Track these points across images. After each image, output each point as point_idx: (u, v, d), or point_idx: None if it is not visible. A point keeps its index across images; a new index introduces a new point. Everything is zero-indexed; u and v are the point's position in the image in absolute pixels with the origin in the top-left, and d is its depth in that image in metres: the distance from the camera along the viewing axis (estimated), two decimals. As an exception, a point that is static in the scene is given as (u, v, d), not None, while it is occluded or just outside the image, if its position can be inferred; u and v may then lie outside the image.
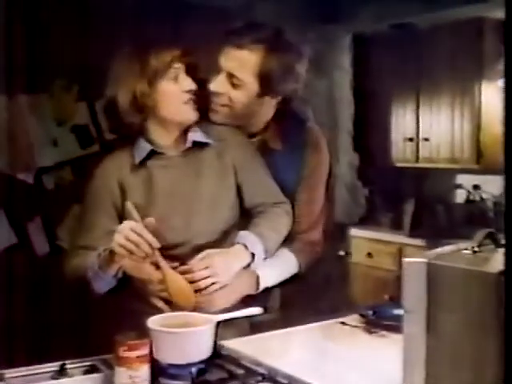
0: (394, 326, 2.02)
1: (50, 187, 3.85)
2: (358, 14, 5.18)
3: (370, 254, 5.50)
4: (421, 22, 5.18)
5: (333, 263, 4.65)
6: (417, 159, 5.55)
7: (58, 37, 3.84)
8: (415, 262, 1.36)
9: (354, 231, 5.62)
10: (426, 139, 5.44)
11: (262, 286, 2.17)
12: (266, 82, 2.17)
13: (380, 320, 2.15)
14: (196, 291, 2.01)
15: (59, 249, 3.75)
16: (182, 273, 2.00)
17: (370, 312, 2.21)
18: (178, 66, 2.10)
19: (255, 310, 2.06)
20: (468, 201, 5.26)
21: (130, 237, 1.87)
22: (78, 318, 3.31)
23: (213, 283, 2.03)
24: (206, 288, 2.02)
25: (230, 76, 2.16)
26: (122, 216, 2.09)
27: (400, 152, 5.69)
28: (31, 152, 3.76)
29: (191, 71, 2.13)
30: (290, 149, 2.32)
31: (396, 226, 5.45)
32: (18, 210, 3.71)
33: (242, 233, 2.13)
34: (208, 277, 2.02)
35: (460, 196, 5.41)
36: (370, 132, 5.84)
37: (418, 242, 5.04)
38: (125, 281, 2.04)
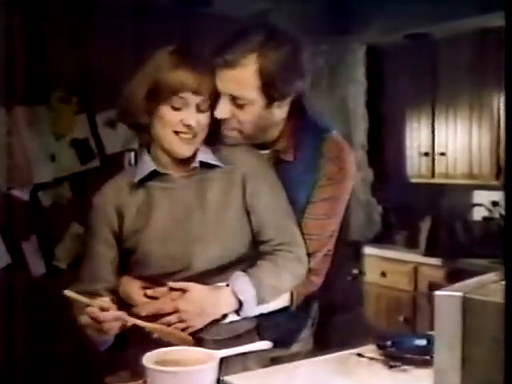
0: (417, 359, 1.87)
1: (47, 204, 3.81)
2: (372, 25, 5.14)
3: (383, 274, 5.38)
4: (436, 32, 5.11)
5: (346, 285, 4.52)
6: (433, 174, 5.43)
7: (56, 46, 3.81)
8: (449, 295, 1.23)
9: (368, 249, 5.50)
10: (443, 154, 5.32)
11: (233, 316, 1.97)
12: (271, 89, 1.99)
13: (400, 352, 1.97)
14: None
15: (56, 269, 3.67)
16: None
17: (389, 342, 2.04)
18: (186, 97, 1.90)
19: (263, 345, 1.92)
20: (486, 218, 5.13)
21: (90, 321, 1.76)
22: (77, 349, 3.19)
23: (184, 328, 1.87)
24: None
25: (233, 98, 1.99)
26: (120, 242, 1.99)
27: (415, 167, 5.58)
28: (27, 167, 3.71)
29: (205, 104, 1.94)
30: (304, 159, 2.12)
31: (411, 245, 5.34)
32: (13, 228, 3.66)
33: (237, 274, 1.94)
34: (177, 322, 1.86)
35: (478, 213, 5.27)
36: (384, 146, 5.77)
37: (435, 261, 4.94)
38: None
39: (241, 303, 1.90)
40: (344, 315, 3.56)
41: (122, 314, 1.78)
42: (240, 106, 1.99)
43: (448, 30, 4.97)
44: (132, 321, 1.80)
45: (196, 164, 1.97)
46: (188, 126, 1.91)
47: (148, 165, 1.99)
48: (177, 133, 1.91)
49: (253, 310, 1.95)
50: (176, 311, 1.84)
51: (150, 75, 1.91)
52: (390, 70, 5.69)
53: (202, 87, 1.90)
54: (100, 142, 3.94)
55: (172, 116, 1.90)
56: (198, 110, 1.92)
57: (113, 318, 1.75)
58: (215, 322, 1.91)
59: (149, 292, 1.90)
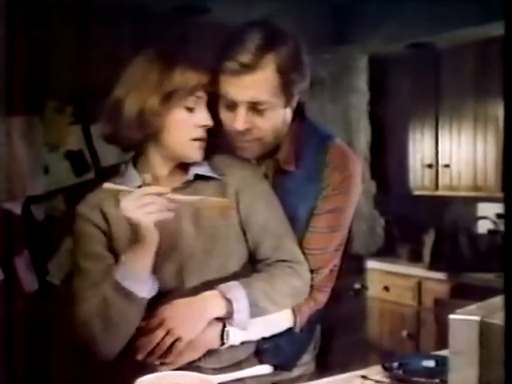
0: (425, 382, 1.81)
1: (40, 218, 3.74)
2: (374, 35, 5.08)
3: (386, 288, 5.30)
4: (440, 41, 5.05)
5: (349, 301, 4.44)
6: (436, 187, 5.37)
7: (51, 55, 3.73)
8: (465, 319, 1.14)
9: (370, 263, 5.44)
10: (447, 165, 5.26)
11: (232, 340, 1.82)
12: (289, 91, 1.88)
13: (407, 374, 1.89)
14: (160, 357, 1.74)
15: (49, 285, 3.59)
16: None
17: (395, 364, 1.95)
18: (200, 96, 1.81)
19: (262, 369, 1.82)
20: (492, 231, 5.05)
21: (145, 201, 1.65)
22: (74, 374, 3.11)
23: (175, 341, 1.73)
24: (169, 350, 1.73)
25: (252, 105, 1.86)
26: (113, 251, 1.84)
27: (418, 179, 5.51)
28: (19, 180, 3.64)
29: (213, 104, 1.86)
30: (306, 169, 2.00)
31: (415, 258, 5.26)
32: (4, 243, 3.56)
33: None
34: (166, 335, 1.72)
35: (483, 226, 5.19)
36: (387, 158, 5.71)
37: (439, 275, 4.87)
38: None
39: (231, 304, 1.76)
40: (347, 334, 3.46)
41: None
42: (260, 113, 1.87)
43: (451, 39, 4.91)
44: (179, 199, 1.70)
45: (191, 177, 1.86)
46: (204, 127, 1.82)
47: (134, 181, 1.86)
48: (194, 140, 1.82)
49: (246, 314, 1.79)
50: (161, 323, 1.72)
51: (158, 80, 1.78)
52: (392, 80, 5.64)
53: (210, 84, 1.82)
54: (95, 154, 3.87)
55: (187, 117, 1.80)
56: (207, 108, 1.84)
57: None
58: (213, 350, 1.79)
59: (142, 323, 1.77)
